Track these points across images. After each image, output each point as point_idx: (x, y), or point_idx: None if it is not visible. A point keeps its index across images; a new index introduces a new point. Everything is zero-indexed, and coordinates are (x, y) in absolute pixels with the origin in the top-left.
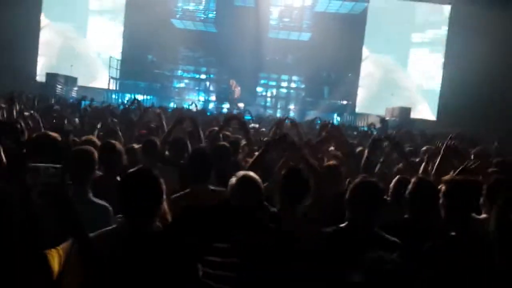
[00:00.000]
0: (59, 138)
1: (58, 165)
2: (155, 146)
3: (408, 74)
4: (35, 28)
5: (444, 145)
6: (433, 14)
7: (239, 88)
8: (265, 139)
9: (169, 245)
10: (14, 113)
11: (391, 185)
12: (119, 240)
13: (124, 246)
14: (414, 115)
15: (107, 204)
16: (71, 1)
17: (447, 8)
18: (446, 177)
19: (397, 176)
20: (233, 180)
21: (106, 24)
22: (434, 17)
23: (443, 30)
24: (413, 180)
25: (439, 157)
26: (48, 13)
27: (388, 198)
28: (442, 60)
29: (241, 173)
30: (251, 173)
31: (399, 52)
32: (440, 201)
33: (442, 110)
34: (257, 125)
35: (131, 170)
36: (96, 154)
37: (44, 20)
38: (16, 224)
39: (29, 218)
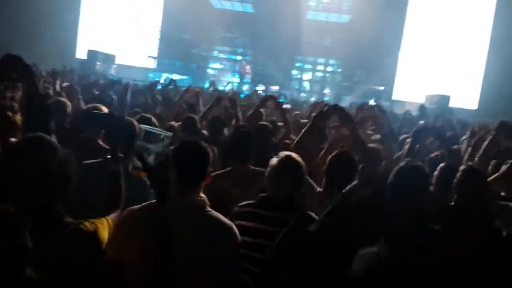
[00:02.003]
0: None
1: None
2: (195, 123)
3: (450, 61)
4: (76, 5)
5: (499, 124)
6: None
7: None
8: (304, 121)
9: (213, 220)
10: (57, 87)
11: (436, 172)
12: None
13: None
14: (454, 103)
15: (145, 178)
16: None
17: None
18: None
19: (443, 164)
20: (274, 160)
21: (147, 3)
22: (480, 1)
23: (489, 16)
24: (461, 168)
25: (489, 138)
26: None
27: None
28: (487, 46)
29: (284, 153)
30: (294, 155)
31: (441, 37)
32: None
33: (483, 99)
34: (289, 106)
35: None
36: (138, 127)
37: None
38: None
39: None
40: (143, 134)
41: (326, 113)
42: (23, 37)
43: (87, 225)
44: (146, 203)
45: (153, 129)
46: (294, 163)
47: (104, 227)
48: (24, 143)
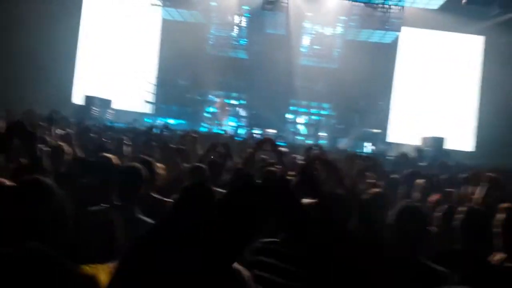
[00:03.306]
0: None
1: None
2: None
3: (442, 104)
4: (72, 51)
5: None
6: (467, 44)
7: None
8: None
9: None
10: (53, 132)
11: (440, 214)
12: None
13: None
14: (449, 145)
15: (154, 222)
16: (108, 24)
17: (481, 39)
18: (506, 205)
19: (446, 205)
20: None
21: (142, 49)
22: (468, 47)
23: (478, 58)
24: (464, 209)
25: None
26: (85, 35)
27: (435, 228)
28: (478, 90)
29: None
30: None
31: (432, 81)
32: (499, 230)
33: (479, 140)
34: (286, 150)
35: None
36: (143, 171)
37: (81, 42)
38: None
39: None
40: None
41: (311, 161)
42: (20, 84)
43: (87, 268)
44: None
45: None
46: None
47: (104, 272)
48: (22, 185)
